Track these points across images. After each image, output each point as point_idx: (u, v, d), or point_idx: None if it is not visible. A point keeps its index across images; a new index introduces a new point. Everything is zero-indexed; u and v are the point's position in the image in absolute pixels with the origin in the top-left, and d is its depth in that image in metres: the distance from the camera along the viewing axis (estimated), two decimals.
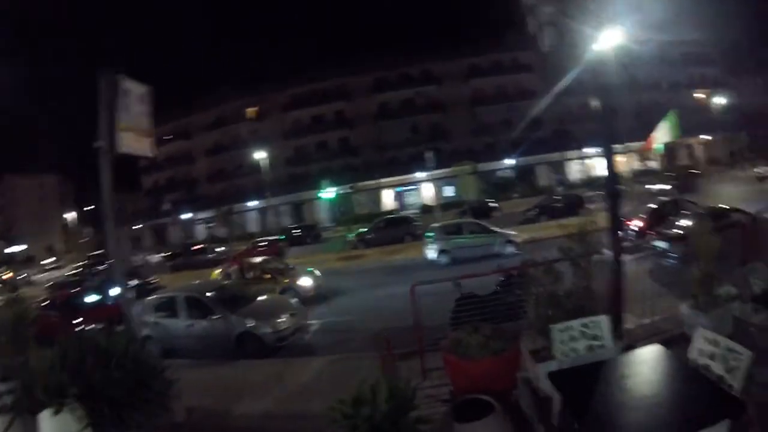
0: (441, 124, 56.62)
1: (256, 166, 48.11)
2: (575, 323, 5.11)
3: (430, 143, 48.64)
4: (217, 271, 16.90)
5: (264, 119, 58.74)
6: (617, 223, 6.90)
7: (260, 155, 44.50)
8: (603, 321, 5.18)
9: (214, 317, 10.91)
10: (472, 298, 8.09)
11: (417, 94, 56.85)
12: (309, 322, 12.19)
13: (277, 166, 51.19)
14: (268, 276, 16.74)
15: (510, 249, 19.30)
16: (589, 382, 4.10)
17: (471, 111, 56.73)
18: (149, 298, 12.63)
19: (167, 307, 11.61)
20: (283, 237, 36.61)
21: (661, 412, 3.62)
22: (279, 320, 10.79)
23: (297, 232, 40.79)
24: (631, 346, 6.00)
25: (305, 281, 16.57)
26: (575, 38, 6.78)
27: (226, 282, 15.08)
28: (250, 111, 59.49)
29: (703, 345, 4.30)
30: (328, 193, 39.94)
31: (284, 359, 9.81)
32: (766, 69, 63.77)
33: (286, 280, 16.38)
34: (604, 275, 6.78)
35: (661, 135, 24.77)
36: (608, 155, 7.25)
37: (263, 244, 33.81)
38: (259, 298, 12.25)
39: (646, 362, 4.45)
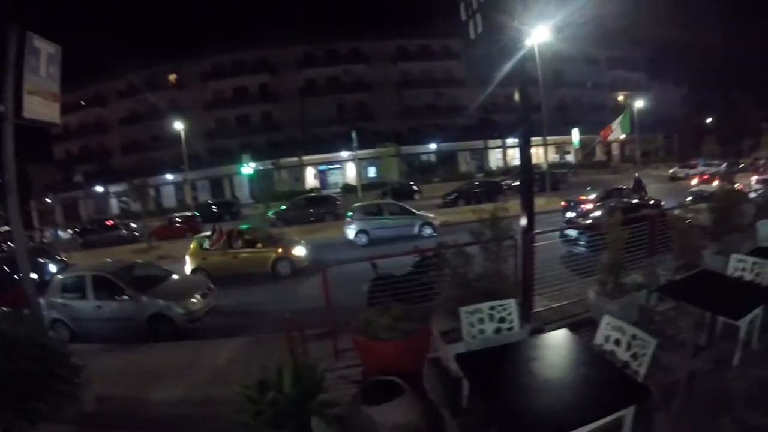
0: (367, 105, 56.12)
1: (174, 138, 44.99)
2: (484, 306, 5.12)
3: (355, 123, 47.63)
4: (205, 242, 15.97)
5: (184, 88, 55.52)
6: (530, 209, 7.00)
7: (179, 126, 41.51)
8: (511, 304, 5.22)
9: (124, 298, 10.32)
10: (388, 278, 8.07)
11: (345, 72, 55.90)
12: (223, 302, 11.78)
13: (196, 138, 48.28)
14: (260, 245, 16.06)
15: (428, 231, 19.67)
16: (497, 365, 4.12)
17: (398, 93, 56.59)
18: (57, 277, 11.72)
19: (75, 288, 10.83)
20: (198, 213, 35.10)
21: (567, 396, 3.65)
22: (191, 301, 10.37)
23: (215, 208, 39.23)
24: (539, 329, 6.16)
25: (299, 251, 16.02)
26: (503, 30, 6.77)
27: (138, 260, 14.05)
28: (171, 78, 56.23)
29: (609, 331, 4.40)
30: (249, 168, 38.47)
31: (198, 341, 9.41)
32: (683, 79, 68.18)
33: (280, 250, 15.81)
34: (517, 259, 6.92)
35: (616, 130, 29.16)
36: (524, 145, 7.55)
37: (179, 220, 32.56)
38: (171, 278, 11.73)
39: (554, 346, 4.51)
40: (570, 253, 11.71)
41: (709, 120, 68.83)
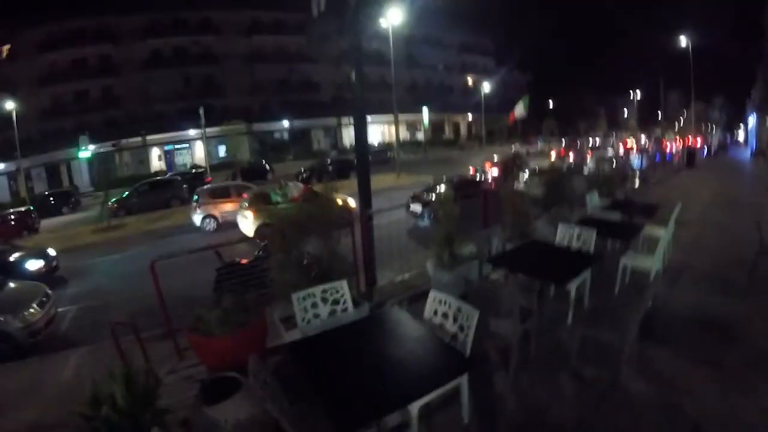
0: (216, 79, 52.42)
1: (2, 120, 37.81)
2: (316, 290, 4.95)
3: (204, 99, 44.51)
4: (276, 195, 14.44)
5: (16, 60, 46.04)
6: (366, 186, 7.05)
7: (9, 106, 35.45)
8: (343, 285, 5.10)
9: None
10: (234, 266, 7.64)
11: (193, 44, 51.73)
12: (61, 309, 10.26)
13: (29, 119, 41.82)
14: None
15: None
16: (329, 349, 4.01)
17: (249, 68, 53.74)
18: None
19: None
20: (32, 207, 29.93)
21: (398, 373, 3.59)
22: (29, 312, 8.61)
23: (51, 199, 33.64)
24: (380, 305, 6.12)
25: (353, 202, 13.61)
26: (344, 10, 6.76)
27: None
28: (3, 49, 46.92)
29: (437, 305, 4.42)
30: (87, 152, 34.32)
31: (41, 357, 7.85)
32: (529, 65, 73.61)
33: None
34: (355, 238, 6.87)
35: (518, 111, 34.21)
36: (359, 124, 7.69)
37: (12, 216, 26.16)
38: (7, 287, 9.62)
39: (385, 324, 4.45)
40: (417, 227, 11.94)
41: (550, 103, 74.91)
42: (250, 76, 53.49)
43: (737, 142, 74.68)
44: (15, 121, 35.36)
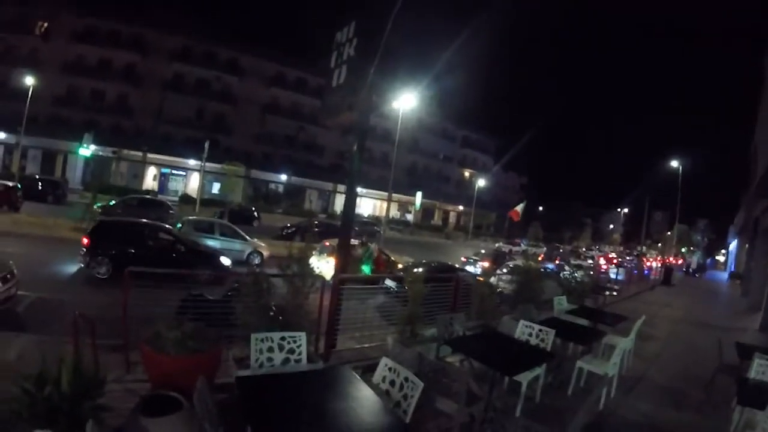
0: (228, 118, 53.56)
1: (16, 92, 38.18)
2: (275, 335, 5.05)
3: (211, 133, 45.06)
4: None
5: (47, 40, 47.03)
6: (346, 251, 7.37)
7: (28, 80, 34.93)
8: (302, 337, 5.19)
9: None
10: (200, 298, 7.67)
11: (216, 79, 53.17)
12: (21, 292, 10.13)
13: (42, 100, 40.84)
14: None
15: (257, 259, 18.96)
16: (275, 391, 4.04)
17: (262, 116, 55.36)
18: None
19: None
20: (20, 185, 29.11)
21: (335, 428, 3.61)
22: None
23: (40, 185, 33.23)
24: (340, 365, 6.18)
25: None
26: (360, 89, 7.18)
27: None
28: (41, 25, 47.38)
29: (386, 372, 4.51)
30: (88, 150, 34.18)
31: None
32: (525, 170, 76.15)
33: None
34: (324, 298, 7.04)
35: (520, 211, 38.37)
36: (349, 193, 7.83)
37: None
38: None
39: (334, 380, 4.47)
40: (387, 303, 12.00)
41: (540, 208, 76.90)
42: (260, 125, 54.90)
43: (717, 264, 76.48)
44: (29, 98, 34.84)
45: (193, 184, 47.81)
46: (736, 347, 8.51)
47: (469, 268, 20.93)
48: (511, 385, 6.53)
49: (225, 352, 5.77)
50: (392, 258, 18.94)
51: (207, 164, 35.58)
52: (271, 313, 6.09)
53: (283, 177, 54.65)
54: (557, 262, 30.77)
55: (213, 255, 14.98)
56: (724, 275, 52.34)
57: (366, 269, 15.70)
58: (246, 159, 43.46)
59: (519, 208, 38.57)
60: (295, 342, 5.13)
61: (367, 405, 3.94)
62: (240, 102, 53.98)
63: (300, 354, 5.13)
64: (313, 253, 16.10)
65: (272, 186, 55.39)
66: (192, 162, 46.20)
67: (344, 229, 7.99)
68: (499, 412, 6.02)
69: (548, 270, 19.63)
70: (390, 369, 4.50)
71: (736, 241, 48.39)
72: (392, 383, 4.40)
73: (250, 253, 19.14)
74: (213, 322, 6.23)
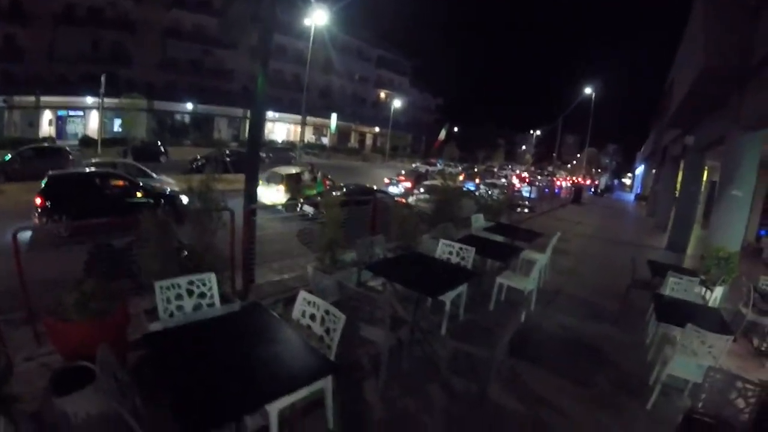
0: (126, 47, 47.36)
1: None
2: (182, 280, 4.59)
3: (109, 66, 40.73)
4: None
5: None
6: (254, 181, 7.01)
7: None
8: (211, 278, 4.77)
9: None
10: (108, 248, 7.07)
11: (110, 5, 46.29)
12: None
13: None
14: None
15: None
16: (186, 343, 3.69)
17: (163, 42, 49.56)
18: None
19: None
20: None
21: (255, 373, 3.36)
22: None
23: None
24: (255, 304, 5.89)
25: None
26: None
27: None
28: None
29: (305, 306, 4.28)
30: None
31: None
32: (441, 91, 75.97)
33: None
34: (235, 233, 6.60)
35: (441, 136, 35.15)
36: (255, 119, 7.65)
37: None
38: None
39: (250, 322, 4.17)
40: (307, 229, 11.77)
41: (455, 129, 77.68)
42: (162, 51, 49.45)
43: (623, 186, 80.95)
44: None
45: (94, 124, 42.89)
46: (648, 265, 8.91)
47: (392, 189, 20.97)
48: (435, 305, 6.56)
49: (138, 306, 5.28)
50: (336, 183, 18.87)
51: (106, 100, 32.49)
52: (182, 256, 5.64)
53: (190, 106, 50.66)
54: (477, 181, 31.42)
55: (172, 195, 14.09)
56: (631, 196, 55.55)
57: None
58: (149, 90, 40.34)
59: (441, 135, 39.33)
60: (204, 284, 4.73)
61: (289, 346, 3.72)
62: (138, 28, 47.77)
63: (212, 297, 4.76)
64: (260, 182, 16.00)
65: (178, 117, 51.30)
66: (90, 100, 41.66)
67: (251, 156, 7.60)
68: (426, 333, 6.07)
69: (468, 189, 19.94)
70: (309, 302, 4.26)
71: (642, 165, 51.01)
72: (312, 317, 4.19)
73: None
74: (120, 274, 5.77)
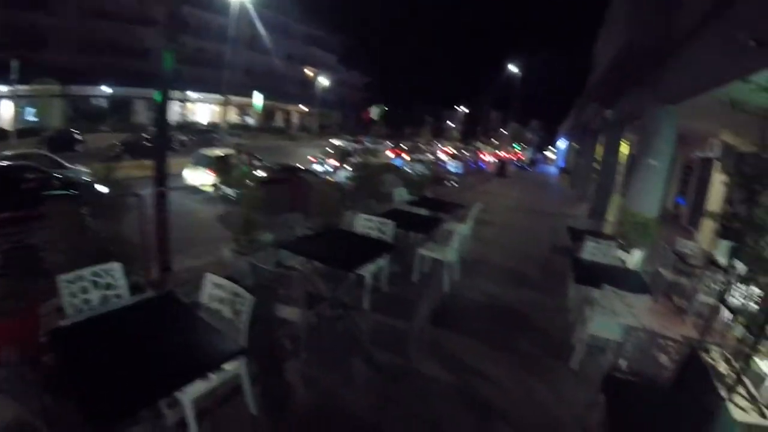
0: (39, 29, 42.40)
1: None
2: (86, 272, 4.28)
3: (21, 50, 36.44)
4: None
5: None
6: (162, 162, 6.58)
7: None
8: (116, 268, 4.48)
9: None
10: (20, 245, 6.53)
11: None
12: None
13: None
14: None
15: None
16: (92, 337, 3.47)
17: (80, 21, 44.69)
18: None
19: None
20: None
21: (164, 362, 3.23)
22: None
23: None
24: (168, 292, 5.58)
25: None
26: None
27: None
28: None
29: (213, 289, 4.11)
30: None
31: None
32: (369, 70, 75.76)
33: None
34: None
35: (373, 113, 39.60)
36: (163, 99, 7.13)
37: None
38: None
39: (158, 311, 4.02)
40: (230, 211, 11.43)
41: (386, 108, 77.61)
42: (78, 32, 45.76)
43: (547, 159, 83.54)
44: None
45: (5, 112, 39.95)
46: (568, 231, 9.13)
47: (319, 168, 20.73)
48: (360, 281, 6.45)
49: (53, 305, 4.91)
50: (264, 163, 18.36)
51: (18, 87, 30.35)
52: (96, 248, 5.26)
53: (107, 89, 46.53)
54: (406, 157, 31.54)
55: (87, 185, 13.28)
56: (554, 170, 57.34)
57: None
58: (64, 74, 37.63)
59: (373, 110, 39.94)
60: (110, 275, 4.44)
61: (197, 332, 3.58)
62: (53, 7, 44.92)
63: (119, 288, 4.47)
64: (188, 164, 15.46)
65: (95, 102, 47.21)
66: (2, 88, 38.97)
67: (159, 137, 7.16)
68: (348, 308, 6.00)
69: (395, 165, 20.00)
70: (217, 285, 4.09)
71: (565, 140, 52.67)
72: (222, 300, 4.02)
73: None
74: (34, 271, 5.29)
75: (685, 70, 8.53)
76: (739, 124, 9.25)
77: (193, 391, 3.34)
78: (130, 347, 3.35)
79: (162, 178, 6.49)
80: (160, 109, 7.10)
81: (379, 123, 42.55)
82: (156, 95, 7.10)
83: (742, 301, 5.07)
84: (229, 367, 3.62)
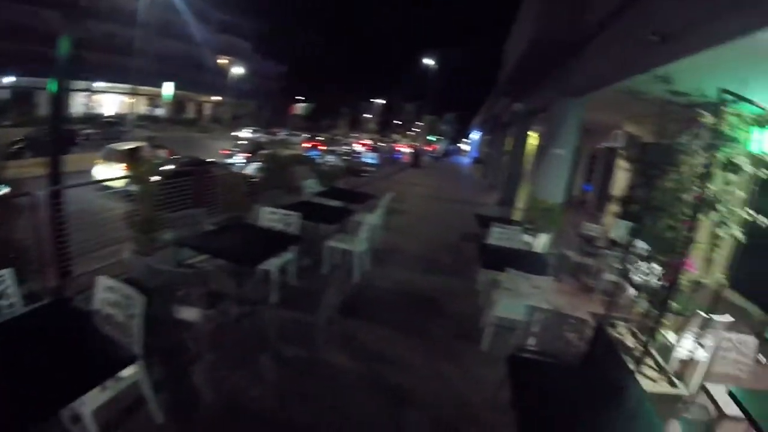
0: None
1: None
2: None
3: None
4: None
5: None
6: (57, 159, 6.24)
7: None
8: (6, 275, 4.10)
9: None
10: None
11: None
12: None
13: None
14: None
15: None
16: None
17: None
18: None
19: None
20: None
21: (53, 375, 3.00)
22: None
23: None
24: (63, 299, 5.23)
25: None
26: None
27: None
28: None
29: (105, 293, 3.88)
30: None
31: None
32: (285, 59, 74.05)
33: None
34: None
35: (300, 109, 36.72)
36: (60, 89, 6.65)
37: None
38: None
39: (48, 320, 3.78)
40: (134, 210, 10.92)
41: (300, 97, 76.79)
42: None
43: (461, 151, 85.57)
44: None
45: None
46: (476, 218, 9.37)
47: (230, 161, 20.28)
48: (263, 275, 6.33)
49: None
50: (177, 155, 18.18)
51: None
52: None
53: (9, 78, 43.90)
54: (322, 149, 31.35)
55: None
56: (467, 160, 58.87)
57: None
58: None
59: (301, 107, 38.76)
60: (1, 283, 4.01)
61: (88, 340, 3.45)
62: None
63: (10, 297, 4.03)
64: (98, 160, 14.65)
65: None
66: None
67: (54, 134, 6.76)
68: (254, 305, 5.89)
69: (310, 157, 19.85)
70: (108, 288, 3.86)
71: (478, 132, 54.04)
72: (114, 304, 3.80)
73: None
74: None
75: (591, 65, 8.97)
76: (641, 116, 9.82)
77: (91, 403, 3.19)
78: (18, 360, 3.14)
79: (57, 176, 6.11)
80: (56, 101, 6.70)
81: (295, 116, 42.06)
82: (50, 84, 6.63)
83: (644, 278, 5.39)
84: (126, 374, 3.47)
